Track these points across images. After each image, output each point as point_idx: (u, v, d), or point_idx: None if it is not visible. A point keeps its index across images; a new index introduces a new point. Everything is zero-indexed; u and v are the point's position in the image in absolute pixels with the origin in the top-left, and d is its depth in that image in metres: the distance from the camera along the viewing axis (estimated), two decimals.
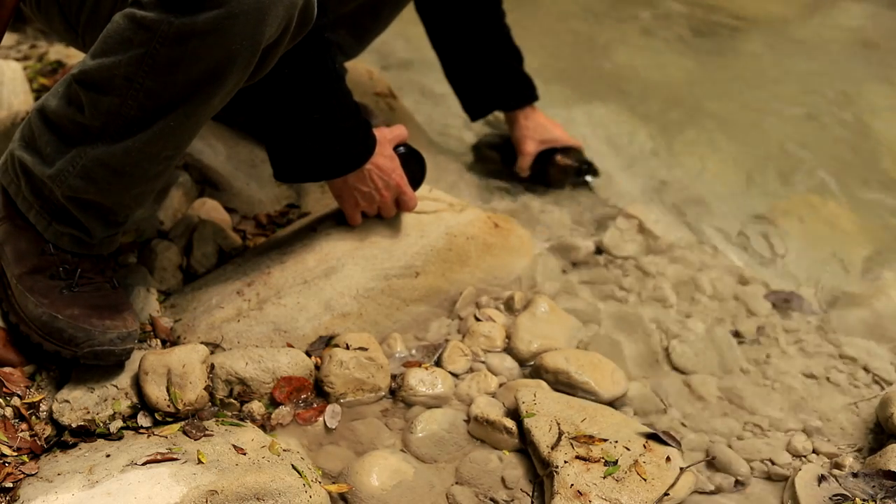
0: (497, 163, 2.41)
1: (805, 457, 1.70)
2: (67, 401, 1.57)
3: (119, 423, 1.57)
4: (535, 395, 1.68)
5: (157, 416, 1.59)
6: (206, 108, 1.48)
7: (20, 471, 1.46)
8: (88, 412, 1.56)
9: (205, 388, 1.63)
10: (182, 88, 1.44)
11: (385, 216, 1.91)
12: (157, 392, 1.59)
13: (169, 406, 1.59)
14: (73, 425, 1.54)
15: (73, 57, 2.39)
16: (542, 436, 1.61)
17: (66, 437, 1.53)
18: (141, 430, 1.57)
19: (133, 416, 1.59)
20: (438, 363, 1.81)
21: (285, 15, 1.45)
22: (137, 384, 1.61)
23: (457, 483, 1.61)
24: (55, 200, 1.56)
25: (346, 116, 1.76)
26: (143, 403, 1.60)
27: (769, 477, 1.67)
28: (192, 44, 1.40)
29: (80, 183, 1.52)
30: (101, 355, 1.56)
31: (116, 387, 1.61)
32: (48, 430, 1.56)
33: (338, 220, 1.92)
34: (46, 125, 1.54)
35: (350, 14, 1.96)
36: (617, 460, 1.56)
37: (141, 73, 1.42)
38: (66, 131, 1.52)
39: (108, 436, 1.54)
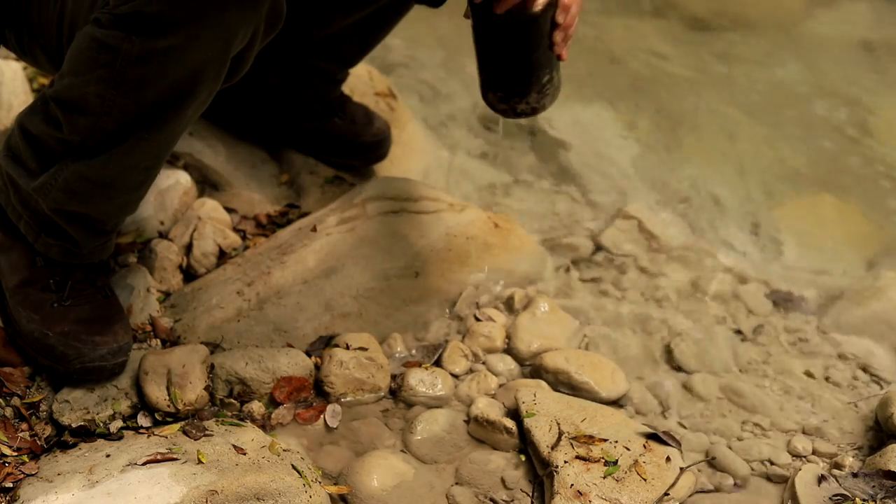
0: (498, 163, 2.41)
1: (805, 457, 1.70)
2: (67, 401, 1.57)
3: (119, 423, 1.57)
4: (535, 396, 1.68)
5: (157, 416, 1.59)
6: (181, 118, 1.47)
7: (20, 471, 1.46)
8: (88, 412, 1.56)
9: (205, 388, 1.63)
10: (153, 103, 1.42)
11: None
12: (157, 392, 1.59)
13: (169, 406, 1.59)
14: (73, 425, 1.54)
15: None
16: (542, 436, 1.61)
17: (66, 437, 1.53)
18: (141, 430, 1.57)
19: (133, 416, 1.59)
20: (438, 363, 1.81)
21: (251, 21, 1.42)
22: (137, 384, 1.61)
23: (457, 483, 1.61)
24: (42, 212, 1.55)
25: None
26: (143, 403, 1.60)
27: (769, 477, 1.67)
28: (157, 62, 1.38)
29: (62, 196, 1.52)
30: (92, 371, 1.57)
31: (116, 387, 1.61)
32: (48, 430, 1.56)
33: (337, 220, 1.92)
34: (28, 141, 1.54)
35: (354, 24, 1.96)
36: (617, 460, 1.56)
37: (111, 91, 1.41)
38: (48, 146, 1.51)
39: (108, 436, 1.54)
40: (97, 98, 1.42)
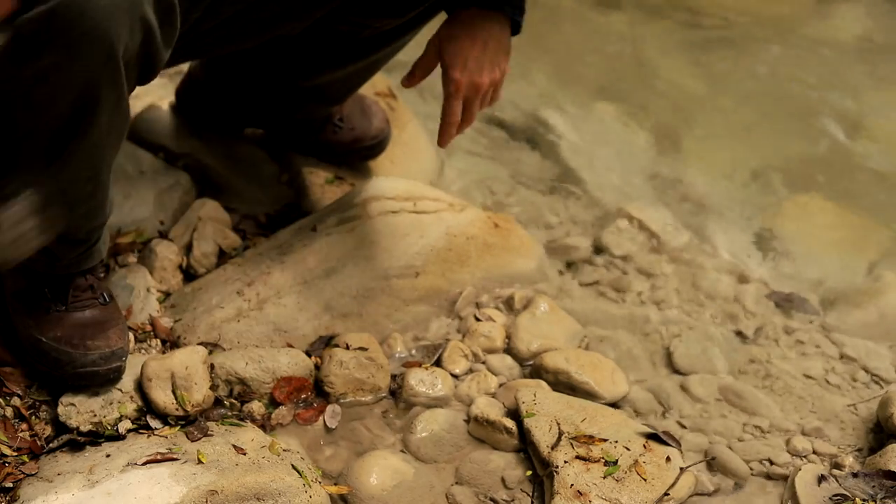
0: (498, 163, 2.40)
1: (805, 457, 1.70)
2: (73, 404, 1.56)
3: (128, 425, 1.56)
4: (535, 395, 1.68)
5: (169, 419, 1.58)
6: (97, 128, 1.42)
7: (20, 471, 1.46)
8: (95, 415, 1.56)
9: (210, 388, 1.62)
10: (65, 117, 1.38)
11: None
12: (163, 397, 1.58)
13: (178, 409, 1.58)
14: (83, 428, 1.53)
15: None
16: (542, 436, 1.61)
17: (76, 437, 1.53)
18: (141, 431, 1.56)
19: (138, 419, 1.58)
20: (438, 363, 1.81)
21: (133, 17, 1.33)
22: (141, 388, 1.60)
23: (457, 483, 1.61)
24: None
25: None
26: (149, 407, 1.59)
27: (769, 477, 1.67)
28: (50, 80, 1.33)
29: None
30: (85, 377, 1.56)
31: (121, 390, 1.60)
32: (48, 430, 1.56)
33: (337, 220, 1.92)
34: None
35: (340, 77, 1.96)
36: (617, 460, 1.56)
37: (22, 115, 1.37)
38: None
39: (116, 437, 1.54)
40: (12, 125, 1.38)
